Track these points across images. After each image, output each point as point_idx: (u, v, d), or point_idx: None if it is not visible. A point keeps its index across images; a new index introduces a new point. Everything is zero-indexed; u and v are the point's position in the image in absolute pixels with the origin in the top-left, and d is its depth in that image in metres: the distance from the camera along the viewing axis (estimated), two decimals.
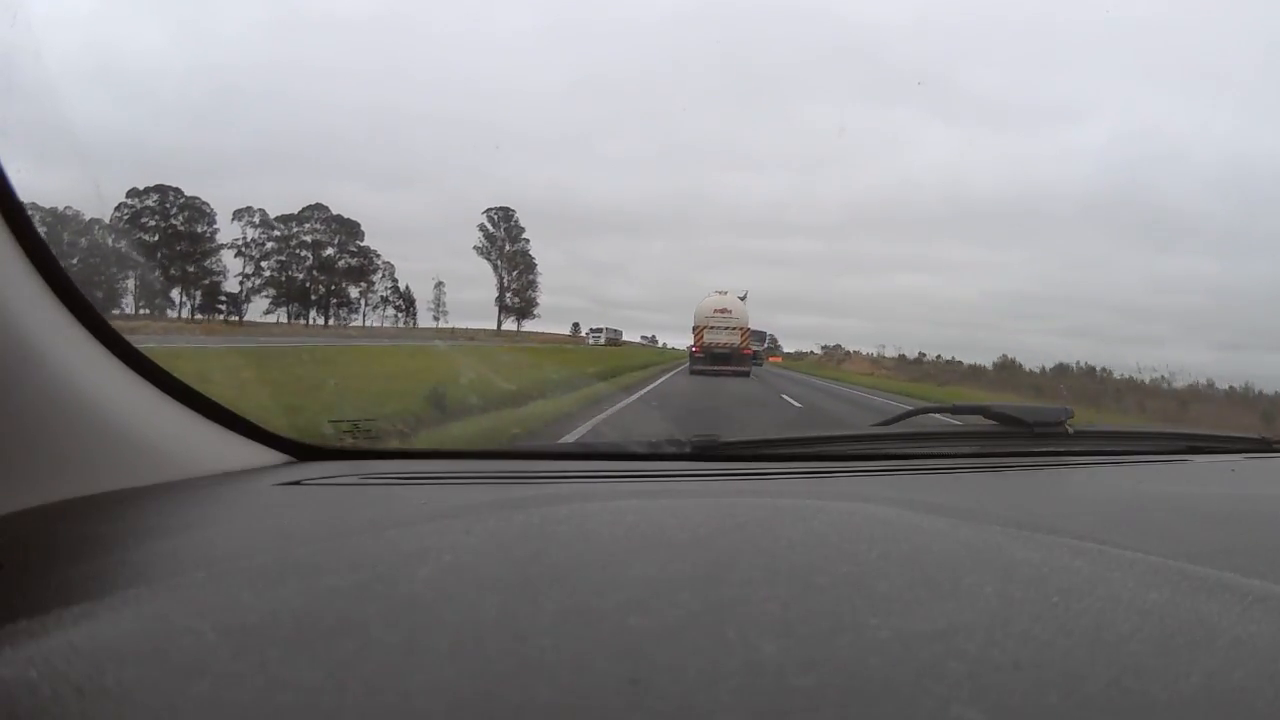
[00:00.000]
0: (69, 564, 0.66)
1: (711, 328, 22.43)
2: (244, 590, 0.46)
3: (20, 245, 0.81)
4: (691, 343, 23.00)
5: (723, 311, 22.86)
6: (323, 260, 44.51)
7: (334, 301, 45.00)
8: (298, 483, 1.01)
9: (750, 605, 0.44)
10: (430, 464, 1.26)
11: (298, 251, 44.28)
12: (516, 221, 52.58)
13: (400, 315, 46.54)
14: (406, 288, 47.39)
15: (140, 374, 0.96)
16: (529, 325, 51.89)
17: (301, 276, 44.19)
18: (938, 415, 1.76)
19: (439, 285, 48.39)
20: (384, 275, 46.39)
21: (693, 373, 20.50)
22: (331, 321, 43.82)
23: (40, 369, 0.80)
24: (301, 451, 1.18)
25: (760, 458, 1.33)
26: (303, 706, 0.33)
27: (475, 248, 52.08)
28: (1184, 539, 0.83)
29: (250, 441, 1.11)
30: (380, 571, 0.50)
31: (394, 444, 2.06)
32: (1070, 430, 1.44)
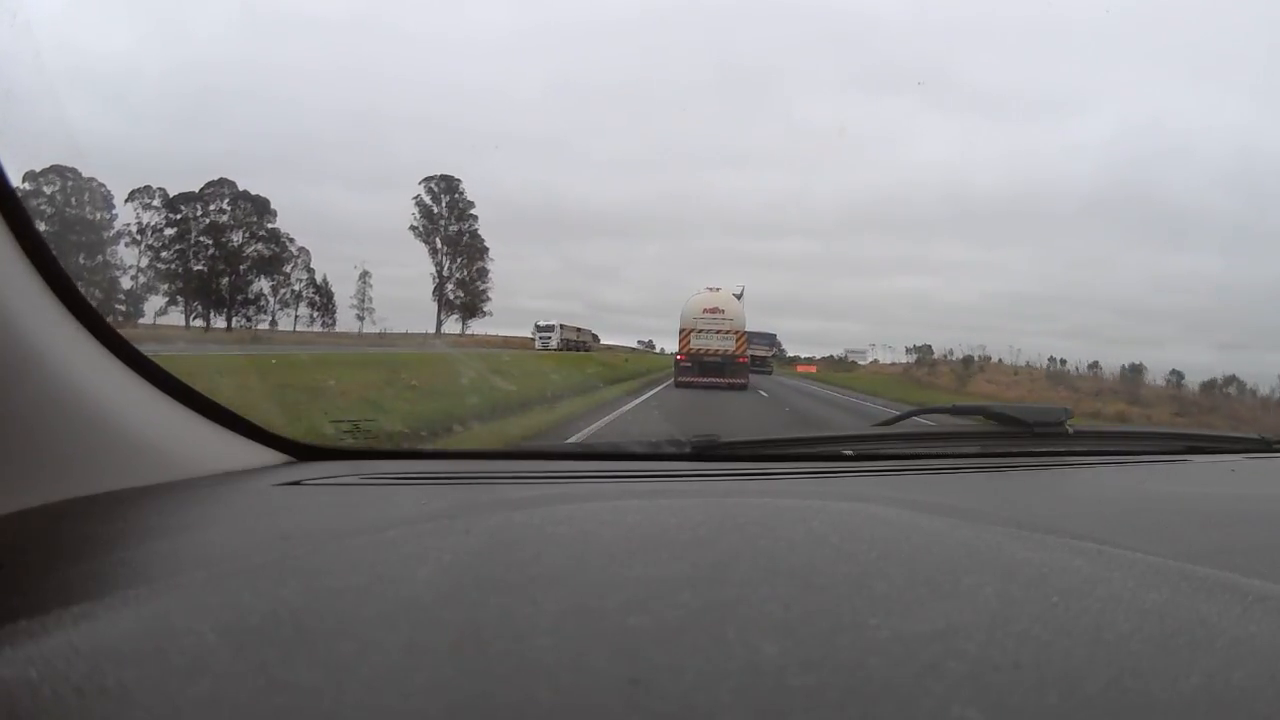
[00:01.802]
0: (69, 564, 0.66)
1: (700, 330, 18.10)
2: (244, 590, 0.46)
3: (20, 245, 0.81)
4: (677, 349, 18.46)
5: (714, 311, 18.34)
6: (227, 249, 36.02)
7: (239, 298, 36.45)
8: (298, 483, 1.01)
9: (750, 605, 0.44)
10: (430, 464, 1.26)
11: (200, 239, 35.70)
12: (463, 194, 42.24)
13: (316, 315, 38.21)
14: (324, 280, 38.49)
15: (140, 374, 0.96)
16: (480, 327, 42.73)
17: (202, 268, 35.53)
18: (938, 416, 1.76)
19: (364, 276, 38.80)
20: (298, 265, 37.64)
21: (678, 384, 16.65)
22: (237, 322, 35.57)
23: (40, 369, 0.80)
24: (301, 452, 1.18)
25: (760, 458, 1.33)
26: (303, 707, 0.33)
27: (411, 227, 41.79)
28: (1184, 539, 0.83)
29: (250, 441, 1.11)
30: (380, 572, 0.50)
31: (393, 444, 2.06)
32: (1070, 430, 1.44)
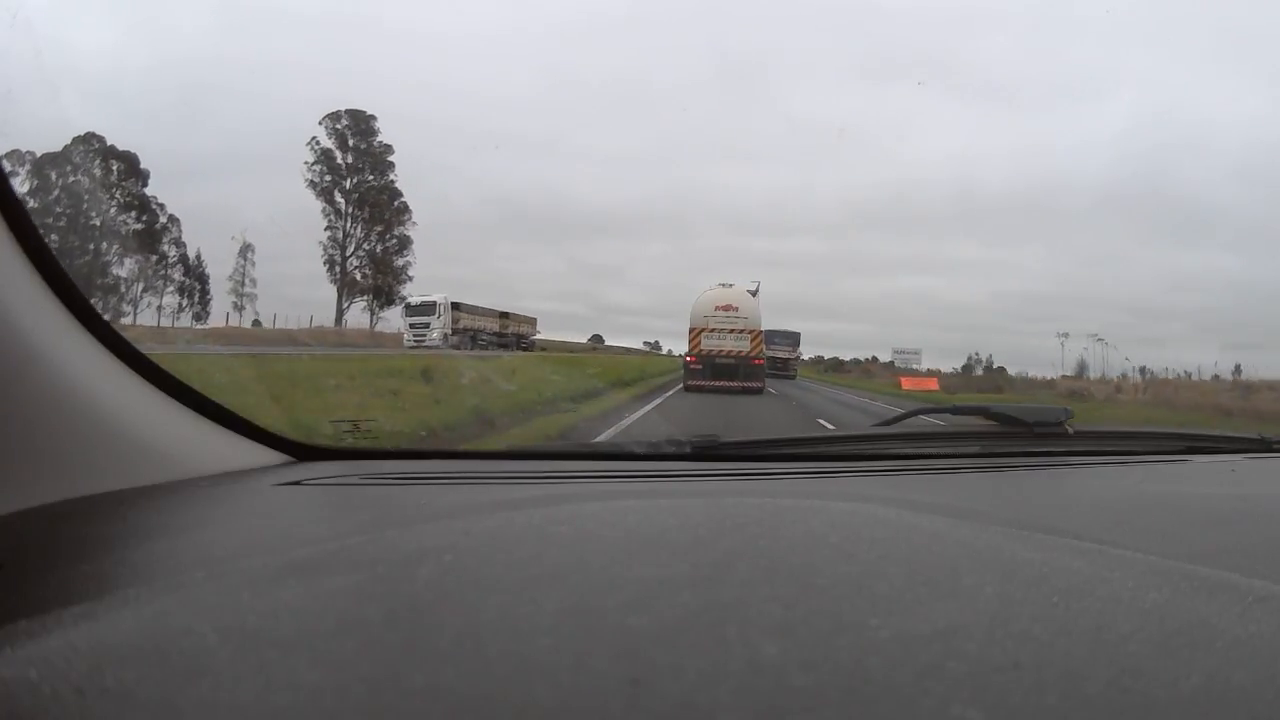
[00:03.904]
0: (69, 564, 0.66)
1: (712, 330, 16.56)
2: (244, 590, 0.46)
3: (20, 245, 0.81)
4: (687, 349, 16.89)
5: (727, 309, 16.76)
6: (82, 221, 23.36)
7: (97, 284, 23.22)
8: (298, 483, 1.01)
9: (750, 605, 0.44)
10: (430, 464, 1.26)
11: (65, 211, 23.45)
12: (379, 136, 30.20)
13: (186, 304, 27.67)
14: (198, 257, 28.03)
15: (141, 374, 0.96)
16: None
17: (57, 246, 20.60)
18: (938, 416, 1.76)
19: (245, 250, 27.90)
20: (166, 240, 27.52)
21: (687, 388, 15.33)
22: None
23: (40, 369, 0.80)
24: (301, 451, 1.18)
25: (760, 458, 1.33)
26: (303, 707, 0.33)
27: (308, 181, 29.48)
28: (1184, 539, 0.83)
29: (250, 441, 1.11)
30: (380, 572, 0.50)
31: (393, 444, 2.06)
32: (1070, 430, 1.44)
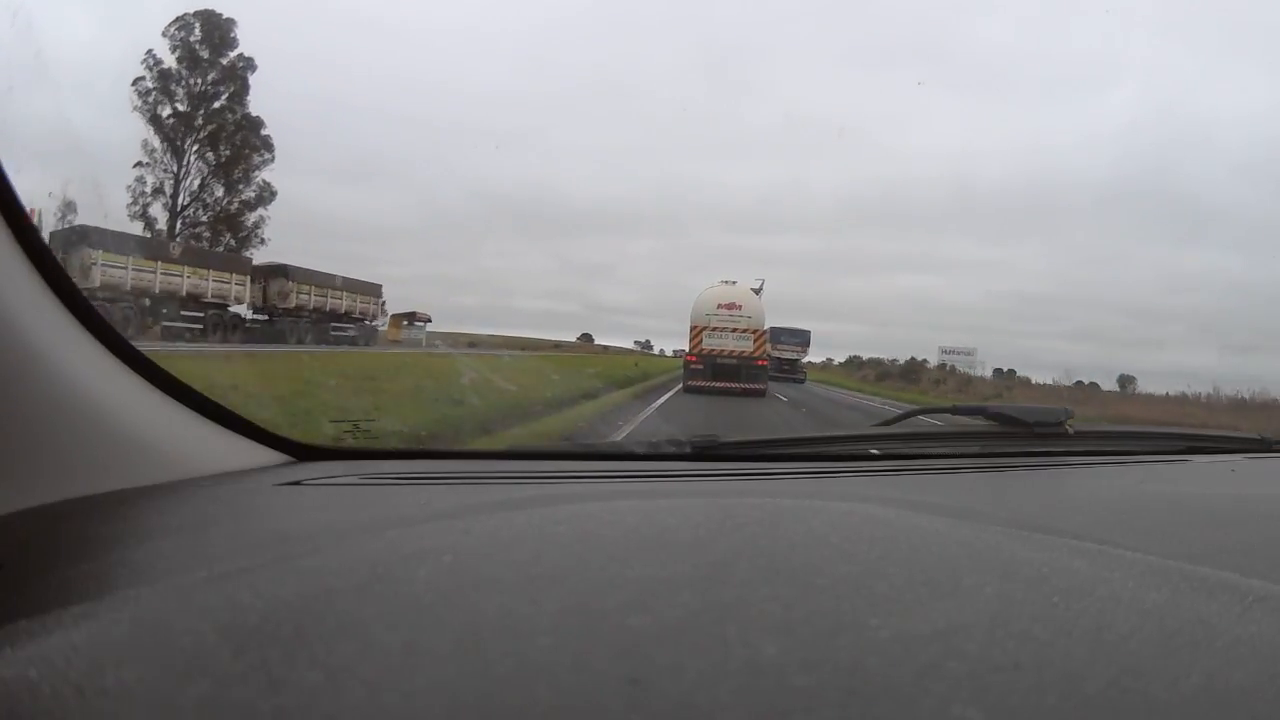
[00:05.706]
0: (69, 564, 0.66)
1: (714, 329, 15.98)
2: (244, 590, 0.46)
3: (20, 245, 0.81)
4: (688, 348, 16.33)
5: (730, 307, 16.16)
6: None
7: None
8: (298, 483, 1.01)
9: (750, 605, 0.44)
10: (430, 464, 1.26)
11: None
12: (234, 49, 21.83)
13: None
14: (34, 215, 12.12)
15: (140, 374, 0.96)
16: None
17: None
18: (938, 415, 1.77)
19: (65, 211, 14.06)
20: None
21: (687, 389, 14.95)
22: None
23: (41, 369, 0.80)
24: (301, 451, 1.18)
25: (760, 458, 1.33)
26: (303, 707, 0.33)
27: (135, 108, 20.87)
28: (1184, 539, 0.83)
29: (250, 441, 1.11)
30: (380, 572, 0.50)
31: (394, 444, 2.06)
32: (1070, 430, 1.44)
